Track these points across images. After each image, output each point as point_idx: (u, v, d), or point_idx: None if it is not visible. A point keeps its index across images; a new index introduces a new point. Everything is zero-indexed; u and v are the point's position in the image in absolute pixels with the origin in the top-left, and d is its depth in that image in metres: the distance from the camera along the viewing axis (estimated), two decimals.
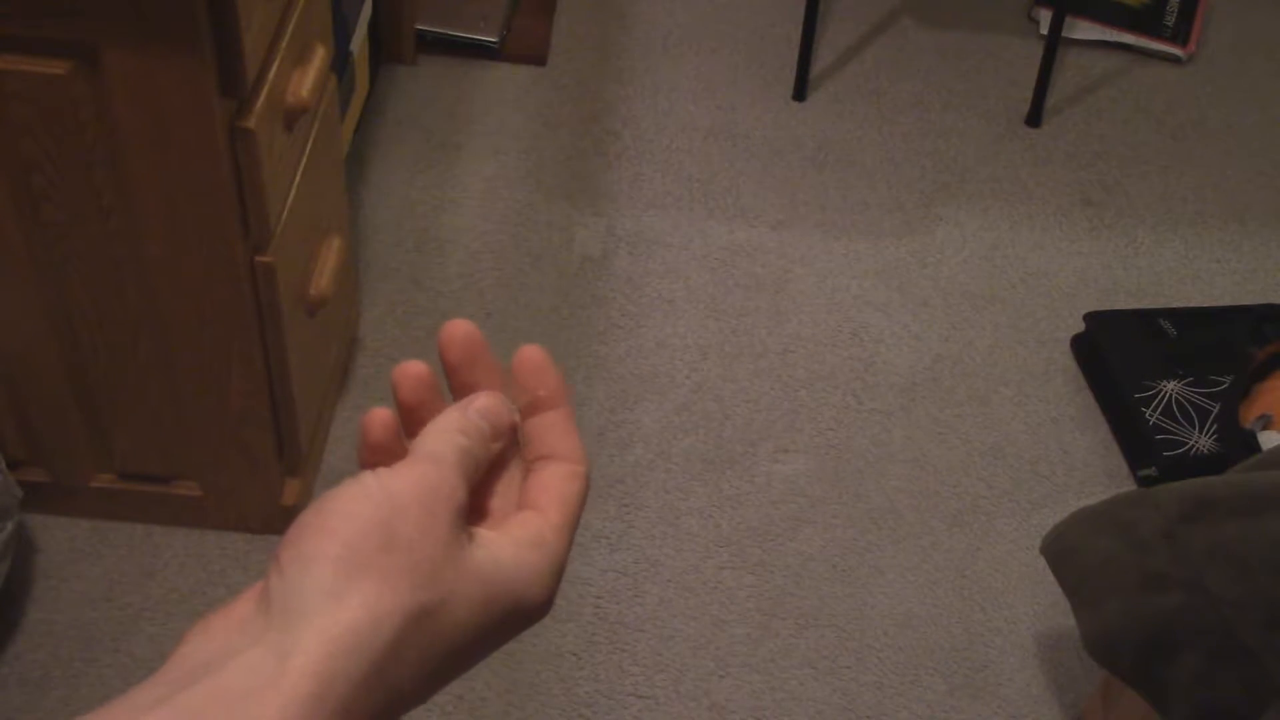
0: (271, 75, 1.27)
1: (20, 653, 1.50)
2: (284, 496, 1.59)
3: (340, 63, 1.72)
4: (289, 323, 1.42)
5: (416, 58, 2.23)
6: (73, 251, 1.31)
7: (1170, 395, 1.81)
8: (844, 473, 1.77)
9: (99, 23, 1.12)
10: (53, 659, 1.50)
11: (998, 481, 1.78)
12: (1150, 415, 1.79)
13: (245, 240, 1.31)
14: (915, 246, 2.06)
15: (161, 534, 1.61)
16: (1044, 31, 2.33)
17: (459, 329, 0.48)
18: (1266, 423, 1.79)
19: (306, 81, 1.33)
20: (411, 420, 0.48)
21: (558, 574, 0.45)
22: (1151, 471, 1.77)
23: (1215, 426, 1.78)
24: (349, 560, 0.39)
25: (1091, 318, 1.92)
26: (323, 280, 1.50)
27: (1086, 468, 1.81)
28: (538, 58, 2.26)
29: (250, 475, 1.54)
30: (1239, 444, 1.75)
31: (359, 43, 1.90)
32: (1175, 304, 2.02)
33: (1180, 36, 2.43)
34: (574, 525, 0.47)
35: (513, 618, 0.43)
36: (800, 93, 2.27)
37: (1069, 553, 1.34)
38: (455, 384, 0.49)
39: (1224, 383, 1.82)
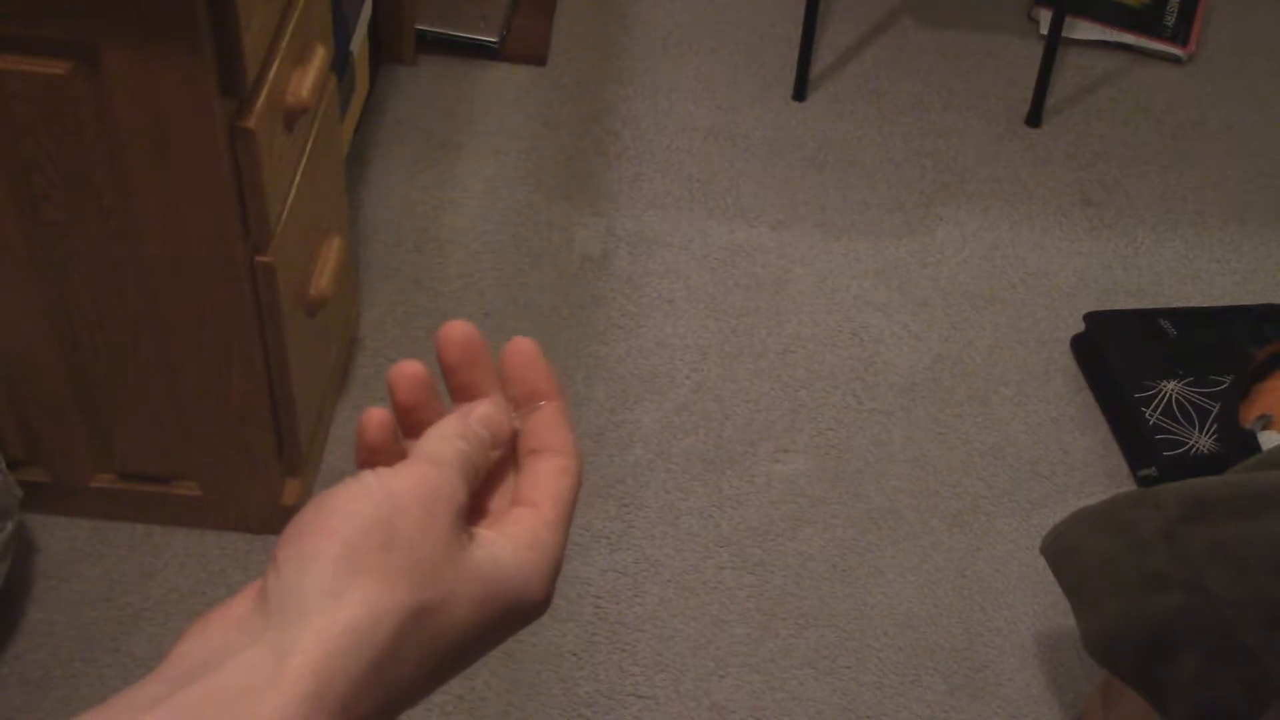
0: (271, 75, 1.27)
1: (20, 653, 1.50)
2: (284, 496, 1.59)
3: (340, 63, 1.72)
4: (289, 323, 1.42)
5: (416, 58, 2.23)
6: (73, 251, 1.31)
7: (1170, 395, 1.81)
8: (844, 473, 1.77)
9: (99, 23, 1.12)
10: (53, 659, 1.50)
11: (998, 481, 1.78)
12: (1150, 415, 1.80)
13: (245, 240, 1.31)
14: (915, 246, 2.06)
15: (161, 534, 1.61)
16: (1044, 31, 2.33)
17: (457, 330, 0.48)
18: (1266, 423, 1.79)
19: (306, 81, 1.33)
20: (408, 421, 0.48)
21: (555, 570, 0.45)
22: (1151, 471, 1.77)
23: (1215, 426, 1.78)
24: (348, 559, 0.39)
25: (1091, 318, 1.92)
26: (323, 280, 1.50)
27: (1086, 468, 1.81)
28: (538, 58, 2.26)
29: (250, 475, 1.54)
30: (1239, 444, 1.75)
31: (359, 43, 1.90)
32: (1175, 304, 2.02)
33: (1180, 36, 2.43)
34: (568, 519, 0.47)
35: (512, 616, 0.43)
36: (800, 93, 2.27)
37: (1069, 553, 1.34)
38: (453, 385, 0.49)
39: (1224, 383, 1.82)
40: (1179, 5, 2.47)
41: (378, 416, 0.47)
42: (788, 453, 1.78)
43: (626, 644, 1.58)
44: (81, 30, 1.13)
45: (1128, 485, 1.80)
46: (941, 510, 1.74)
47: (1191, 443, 1.77)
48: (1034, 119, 2.26)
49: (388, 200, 2.02)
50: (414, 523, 0.41)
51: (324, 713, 0.37)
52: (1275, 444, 1.75)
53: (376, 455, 0.47)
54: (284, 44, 1.30)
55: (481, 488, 0.47)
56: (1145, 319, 1.91)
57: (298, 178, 1.39)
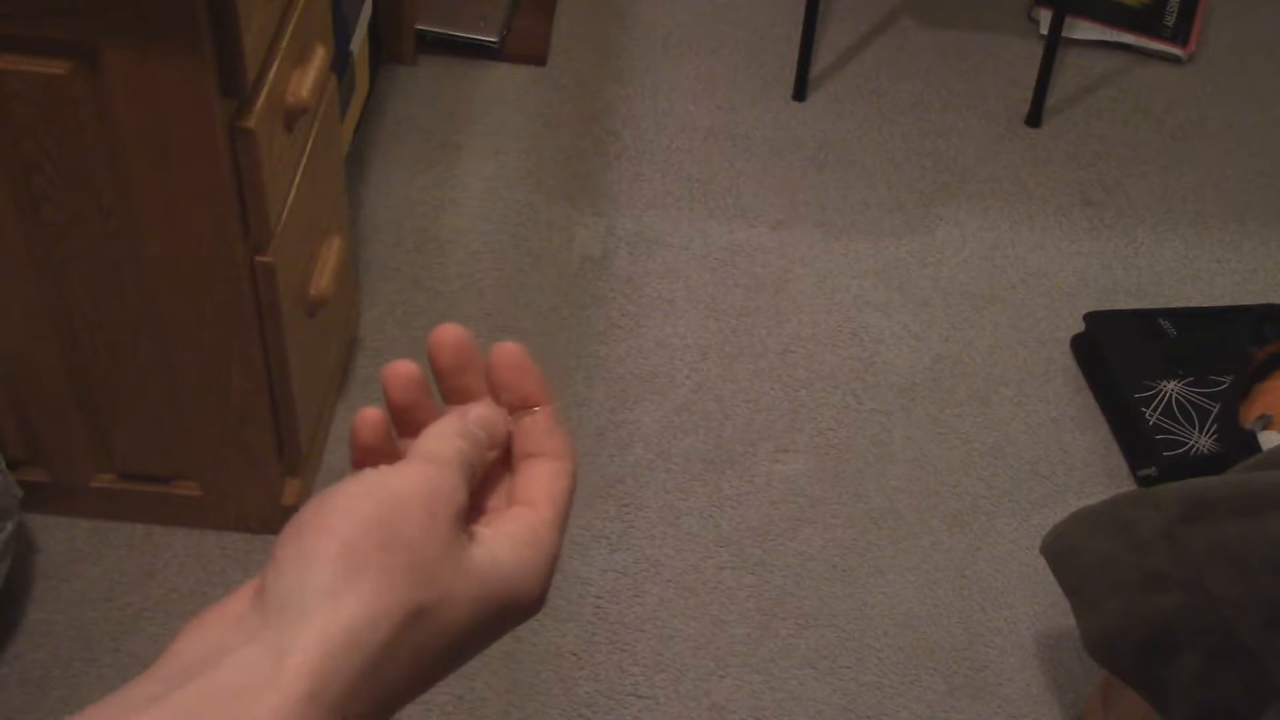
0: (271, 75, 1.27)
1: (20, 653, 1.50)
2: (284, 496, 1.59)
3: (340, 63, 1.72)
4: (289, 323, 1.42)
5: (416, 58, 2.23)
6: (73, 251, 1.31)
7: (1170, 395, 1.81)
8: (844, 473, 1.77)
9: (99, 23, 1.12)
10: (53, 659, 1.50)
11: (998, 481, 1.78)
12: (1150, 415, 1.79)
13: (245, 240, 1.31)
14: (915, 246, 2.06)
15: (161, 534, 1.61)
16: (1044, 31, 2.33)
17: (449, 334, 0.48)
18: (1266, 423, 1.79)
19: (306, 81, 1.33)
20: (402, 420, 0.48)
21: (552, 569, 0.45)
22: (1151, 471, 1.77)
23: (1215, 426, 1.78)
24: (348, 558, 0.39)
25: (1091, 318, 1.92)
26: (323, 280, 1.50)
27: (1086, 468, 1.81)
28: (538, 58, 2.26)
29: (250, 475, 1.54)
30: (1239, 444, 1.75)
31: (359, 43, 1.90)
32: (1175, 304, 2.02)
33: (1180, 36, 2.43)
34: (565, 520, 0.47)
35: (508, 613, 0.43)
36: (800, 93, 2.27)
37: (1069, 553, 1.34)
38: (445, 389, 0.49)
39: (1224, 383, 1.82)
40: (1179, 5, 2.47)
41: (371, 416, 0.47)
42: (788, 453, 1.78)
43: (626, 644, 1.58)
44: (81, 30, 1.13)
45: (1128, 485, 1.80)
46: (941, 510, 1.74)
47: (1191, 443, 1.77)
48: (1034, 119, 2.26)
49: (388, 200, 2.02)
50: (414, 522, 0.41)
51: (321, 712, 0.37)
52: (1275, 444, 1.75)
53: (371, 455, 0.47)
54: (284, 44, 1.30)
55: (478, 488, 0.47)
56: (1145, 319, 1.91)
57: (298, 178, 1.39)
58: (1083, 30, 2.42)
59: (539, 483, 0.47)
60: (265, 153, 1.26)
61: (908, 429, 1.83)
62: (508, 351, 0.48)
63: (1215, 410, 1.79)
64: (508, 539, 0.44)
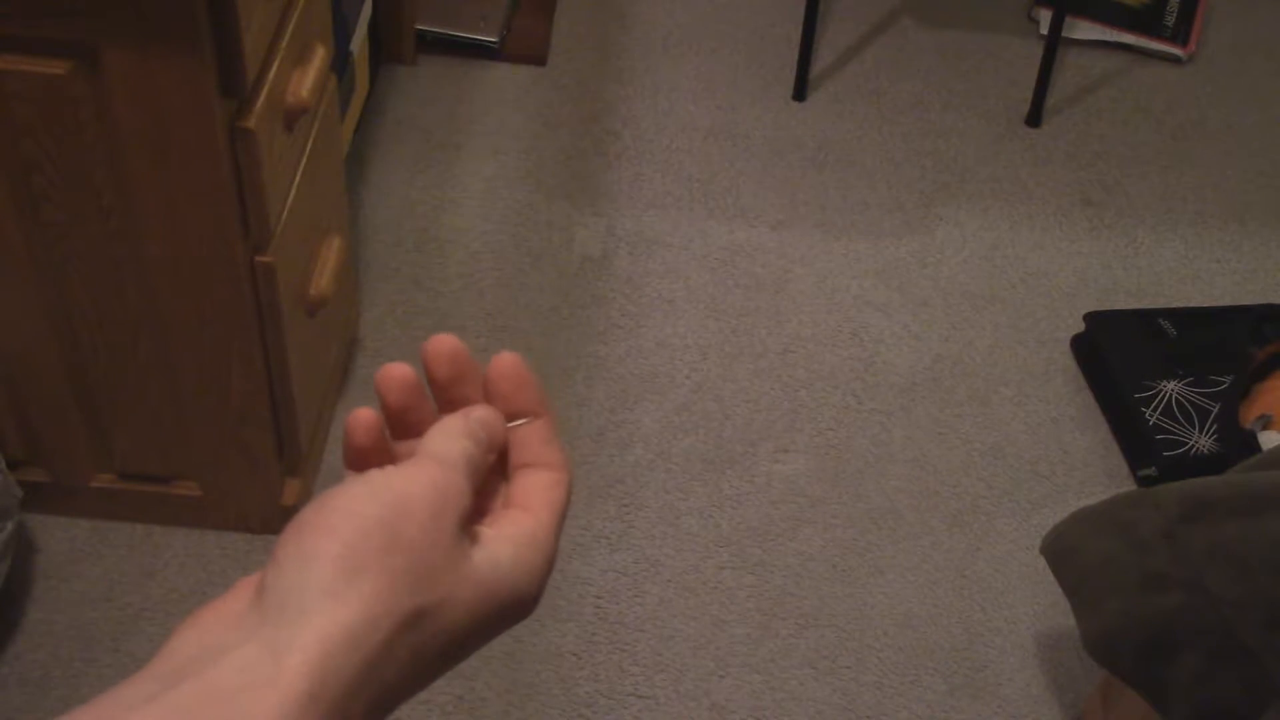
0: (271, 75, 1.27)
1: (20, 653, 1.50)
2: (284, 496, 1.59)
3: (340, 63, 1.72)
4: (289, 323, 1.42)
5: (416, 58, 2.23)
6: (73, 251, 1.31)
7: (1170, 395, 1.81)
8: (844, 473, 1.77)
9: (99, 23, 1.12)
10: (53, 659, 1.50)
11: (998, 481, 1.78)
12: (1150, 415, 1.79)
13: (245, 240, 1.31)
14: (915, 246, 2.06)
15: (161, 534, 1.61)
16: (1044, 31, 2.33)
17: (444, 345, 0.48)
18: (1266, 423, 1.79)
19: (306, 81, 1.33)
20: (397, 423, 0.48)
21: (549, 571, 0.45)
22: (1151, 471, 1.77)
23: (1215, 426, 1.78)
24: (349, 559, 0.39)
25: (1091, 318, 1.92)
26: (323, 280, 1.50)
27: (1086, 468, 1.81)
28: (538, 58, 2.26)
29: (250, 475, 1.54)
30: (1239, 444, 1.75)
31: (359, 43, 1.90)
32: (1175, 304, 2.02)
33: (1180, 36, 2.43)
34: (561, 528, 0.47)
35: (506, 614, 0.44)
36: (800, 93, 2.27)
37: (1069, 553, 1.34)
38: (442, 400, 0.49)
39: (1224, 383, 1.82)
40: (1179, 5, 2.47)
41: (365, 418, 0.46)
42: (788, 453, 1.78)
43: (626, 644, 1.58)
44: (81, 30, 1.13)
45: (1128, 485, 1.80)
46: (941, 510, 1.74)
47: (1191, 443, 1.77)
48: (1034, 119, 2.26)
49: (388, 200, 2.02)
50: (419, 525, 0.41)
51: (321, 711, 0.37)
52: (1275, 444, 1.75)
53: (365, 457, 0.47)
54: (284, 44, 1.30)
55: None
56: (1145, 319, 1.91)
57: (298, 178, 1.39)
58: (1083, 30, 2.42)
59: (536, 491, 0.47)
60: (265, 153, 1.26)
61: (908, 429, 1.83)
62: (506, 362, 0.48)
63: (1215, 410, 1.79)
64: (508, 541, 0.44)
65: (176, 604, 1.56)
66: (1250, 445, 1.75)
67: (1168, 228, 2.13)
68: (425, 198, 2.03)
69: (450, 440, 0.45)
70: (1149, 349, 1.87)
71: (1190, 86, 2.37)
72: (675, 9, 2.40)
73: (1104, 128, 2.28)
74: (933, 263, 2.04)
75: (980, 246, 2.07)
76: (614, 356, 1.86)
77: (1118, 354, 1.86)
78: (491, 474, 0.48)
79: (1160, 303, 2.01)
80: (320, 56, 1.38)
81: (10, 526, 1.43)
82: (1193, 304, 2.02)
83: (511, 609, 0.44)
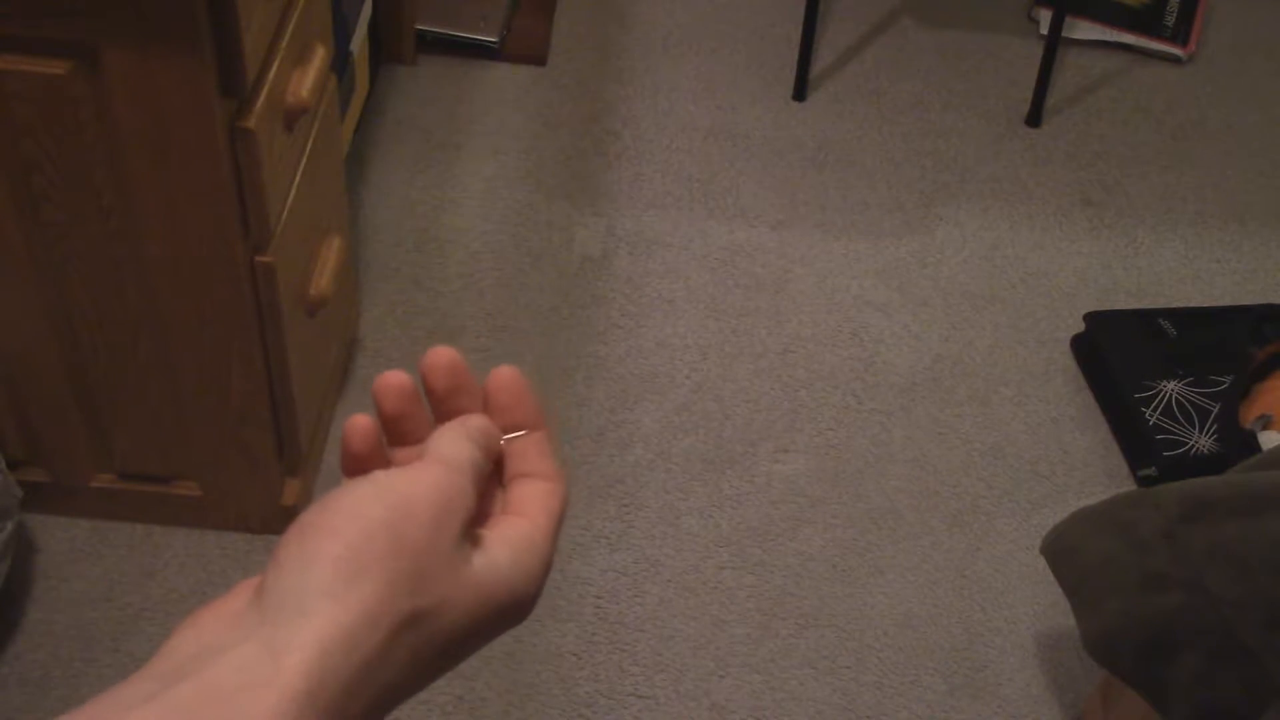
0: (271, 75, 1.27)
1: (20, 653, 1.50)
2: (284, 496, 1.59)
3: (340, 63, 1.72)
4: (289, 323, 1.42)
5: (416, 58, 2.23)
6: (73, 251, 1.31)
7: (1170, 395, 1.81)
8: (844, 473, 1.77)
9: (99, 23, 1.12)
10: (53, 659, 1.50)
11: (998, 481, 1.78)
12: (1150, 415, 1.79)
13: (245, 240, 1.31)
14: (915, 246, 2.06)
15: (161, 534, 1.61)
16: (1044, 31, 2.33)
17: (442, 357, 0.48)
18: (1266, 423, 1.79)
19: (306, 81, 1.33)
20: (394, 430, 0.48)
21: (546, 575, 0.46)
22: (1151, 471, 1.77)
23: (1215, 426, 1.78)
24: (350, 561, 0.40)
25: (1091, 318, 1.92)
26: (323, 280, 1.50)
27: (1086, 468, 1.81)
28: (538, 58, 2.26)
29: (250, 475, 1.55)
30: (1239, 444, 1.75)
31: (359, 43, 1.90)
32: (1175, 304, 2.02)
33: (1180, 36, 2.43)
34: (558, 534, 0.47)
35: (504, 616, 0.44)
36: (800, 93, 2.27)
37: (1069, 553, 1.34)
38: (438, 411, 0.49)
39: (1224, 383, 1.82)
40: (1179, 5, 2.47)
41: (362, 424, 0.47)
42: (788, 453, 1.78)
43: (626, 644, 1.58)
44: (81, 30, 1.13)
45: (1128, 485, 1.80)
46: (941, 510, 1.74)
47: (1191, 443, 1.77)
48: (1034, 119, 2.26)
49: (388, 200, 2.02)
50: (421, 528, 0.41)
51: (319, 711, 0.37)
52: (1275, 444, 1.75)
53: (361, 463, 0.47)
54: (284, 44, 1.30)
55: None
56: (1145, 319, 1.91)
57: (298, 178, 1.39)
58: (1083, 30, 2.42)
59: (533, 499, 0.48)
60: (265, 153, 1.26)
61: (908, 429, 1.83)
62: (505, 375, 0.49)
63: (1215, 410, 1.79)
64: (506, 544, 0.45)
65: (176, 604, 1.56)
66: (1250, 445, 1.75)
67: (1168, 228, 2.13)
68: (425, 198, 2.03)
69: (458, 444, 0.45)
70: (1149, 349, 1.87)
71: (1190, 86, 2.37)
72: (675, 9, 2.40)
73: (1104, 128, 2.28)
74: (933, 263, 2.04)
75: (980, 246, 2.07)
76: (614, 356, 1.86)
77: (1118, 354, 1.86)
78: (488, 482, 0.48)
79: (1160, 303, 2.01)
80: (320, 56, 1.38)
81: (10, 526, 1.43)
82: (1193, 304, 2.02)
83: (509, 611, 0.44)
